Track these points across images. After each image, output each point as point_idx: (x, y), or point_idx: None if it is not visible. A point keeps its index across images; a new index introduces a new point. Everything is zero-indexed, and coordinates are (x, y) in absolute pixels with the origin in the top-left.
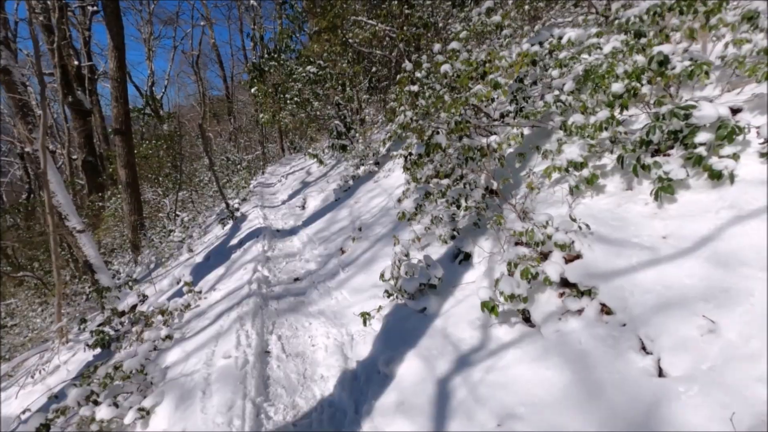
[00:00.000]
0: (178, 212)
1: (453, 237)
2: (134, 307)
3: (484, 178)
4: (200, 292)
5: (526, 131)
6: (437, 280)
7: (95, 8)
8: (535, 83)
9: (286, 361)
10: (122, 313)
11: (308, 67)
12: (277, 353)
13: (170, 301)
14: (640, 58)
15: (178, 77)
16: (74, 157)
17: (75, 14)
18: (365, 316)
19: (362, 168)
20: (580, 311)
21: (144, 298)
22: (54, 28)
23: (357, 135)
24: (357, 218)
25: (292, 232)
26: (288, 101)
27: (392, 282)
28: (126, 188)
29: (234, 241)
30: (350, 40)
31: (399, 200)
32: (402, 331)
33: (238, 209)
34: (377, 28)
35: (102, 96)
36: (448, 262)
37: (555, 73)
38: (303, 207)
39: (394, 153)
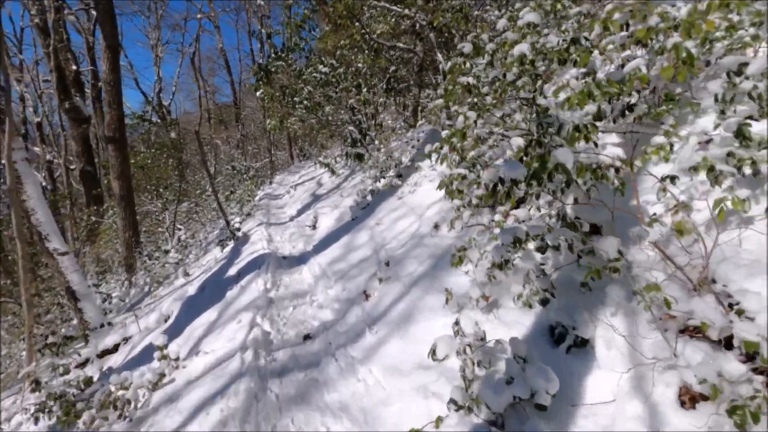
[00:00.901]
0: (179, 226)
1: (544, 301)
2: (116, 346)
3: (571, 209)
4: (177, 359)
5: (615, 138)
6: (549, 397)
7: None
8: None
9: None
10: (105, 352)
11: (319, 67)
12: None
13: (135, 372)
14: None
15: (186, 83)
16: (72, 166)
17: (78, 18)
18: None
19: (382, 181)
20: None
21: (126, 339)
22: (50, 30)
23: (376, 142)
24: (381, 246)
25: (302, 260)
26: (297, 105)
27: (461, 382)
28: (120, 202)
29: (232, 271)
30: (368, 36)
31: (436, 226)
32: None
33: (239, 229)
34: (404, 13)
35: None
36: (542, 342)
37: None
38: (314, 226)
39: (419, 164)
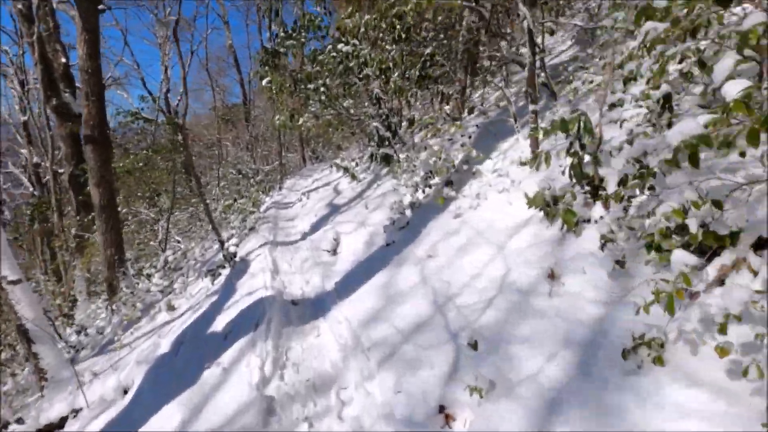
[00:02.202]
0: (177, 238)
1: None
2: (63, 420)
3: None
4: None
5: None
6: None
7: (101, 5)
8: None
9: None
10: (49, 428)
11: (339, 46)
12: None
13: None
14: None
15: (196, 83)
16: (61, 170)
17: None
18: None
19: (426, 191)
20: None
21: (76, 412)
22: (34, 16)
23: (416, 139)
24: (446, 299)
25: (319, 307)
26: (311, 94)
27: None
28: (100, 213)
29: (219, 322)
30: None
31: (552, 275)
32: None
33: (235, 255)
34: None
35: (111, 103)
36: None
37: None
38: (334, 251)
39: (478, 168)
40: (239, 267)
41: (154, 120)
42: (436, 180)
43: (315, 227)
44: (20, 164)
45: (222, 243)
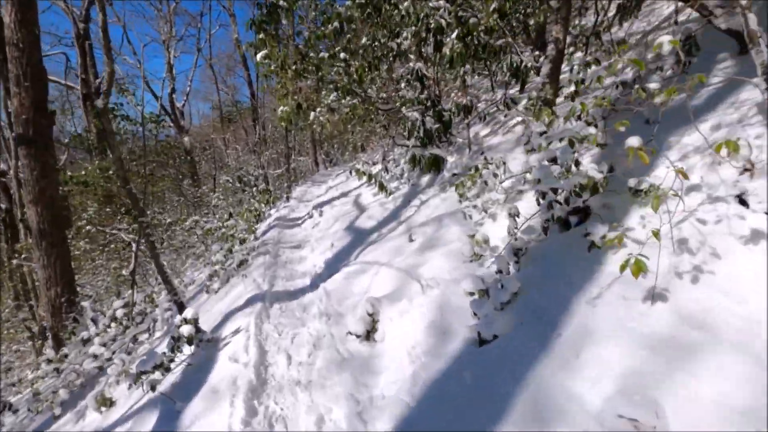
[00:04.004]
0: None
1: None
2: None
3: None
4: None
5: None
6: None
7: None
8: None
9: None
10: None
11: None
12: None
13: None
14: None
15: (204, 84)
16: None
17: (67, 1)
18: None
19: (547, 227)
20: None
21: None
22: None
23: (470, 134)
24: None
25: None
26: (326, 66)
27: None
28: (39, 239)
29: None
30: None
31: None
32: None
33: (190, 339)
34: None
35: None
36: None
37: None
38: (367, 335)
39: (646, 182)
40: (201, 359)
41: (177, 126)
42: (545, 214)
43: (332, 266)
44: None
45: (181, 306)
